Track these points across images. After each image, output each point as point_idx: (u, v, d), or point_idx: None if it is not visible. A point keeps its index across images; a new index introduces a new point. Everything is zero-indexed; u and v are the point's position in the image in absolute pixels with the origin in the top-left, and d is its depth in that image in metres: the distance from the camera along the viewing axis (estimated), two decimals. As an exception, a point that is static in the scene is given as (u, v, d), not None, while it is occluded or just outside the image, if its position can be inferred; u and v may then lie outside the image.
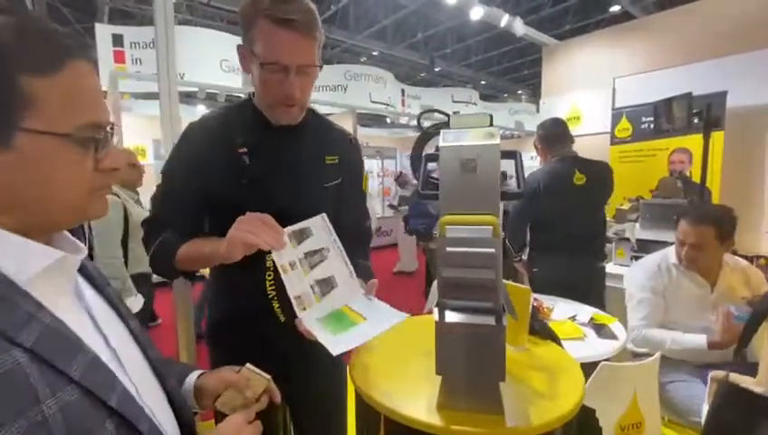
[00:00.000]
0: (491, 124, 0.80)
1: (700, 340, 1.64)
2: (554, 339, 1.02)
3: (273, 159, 0.97)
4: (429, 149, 0.87)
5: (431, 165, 0.84)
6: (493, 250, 0.70)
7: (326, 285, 0.85)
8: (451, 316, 0.71)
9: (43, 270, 0.42)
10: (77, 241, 0.51)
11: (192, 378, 0.68)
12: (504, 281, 0.98)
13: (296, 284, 0.81)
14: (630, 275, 1.97)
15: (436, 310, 0.72)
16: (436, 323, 0.71)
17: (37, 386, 0.37)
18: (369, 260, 1.11)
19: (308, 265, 0.83)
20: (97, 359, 0.44)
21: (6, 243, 0.41)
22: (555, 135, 2.33)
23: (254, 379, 0.69)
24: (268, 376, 0.70)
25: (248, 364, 0.71)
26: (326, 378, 1.12)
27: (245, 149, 0.95)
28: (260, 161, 0.96)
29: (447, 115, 0.84)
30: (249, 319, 1.02)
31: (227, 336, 1.06)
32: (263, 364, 0.98)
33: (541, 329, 1.05)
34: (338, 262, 0.88)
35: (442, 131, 0.78)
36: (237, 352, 1.05)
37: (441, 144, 0.76)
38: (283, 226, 0.93)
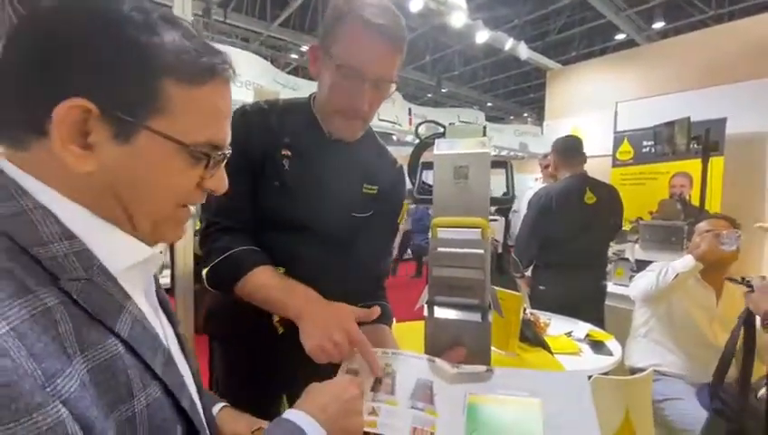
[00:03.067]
0: (484, 135, 0.85)
1: (688, 260, 1.74)
2: (544, 346, 1.05)
3: (310, 172, 0.92)
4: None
5: (426, 172, 0.88)
6: (481, 251, 0.74)
7: (424, 393, 0.65)
8: (440, 312, 0.75)
9: (132, 265, 0.42)
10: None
11: (215, 409, 0.65)
12: (500, 289, 1.01)
13: (396, 424, 0.60)
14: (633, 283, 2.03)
15: (426, 306, 0.76)
16: (425, 318, 0.74)
17: (132, 378, 0.36)
18: (386, 299, 1.04)
19: (388, 394, 0.65)
20: (171, 357, 0.43)
21: (102, 230, 0.41)
22: (572, 148, 2.39)
23: None
24: None
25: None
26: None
27: (289, 153, 0.91)
28: (298, 170, 0.91)
29: (443, 126, 0.90)
30: (247, 330, 0.96)
31: (225, 336, 1.07)
32: (260, 373, 0.99)
33: (532, 336, 1.08)
34: (407, 360, 0.71)
35: (437, 141, 0.83)
36: (234, 351, 1.08)
37: (436, 152, 0.80)
38: (303, 236, 0.91)
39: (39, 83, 0.37)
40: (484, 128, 0.86)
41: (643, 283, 1.83)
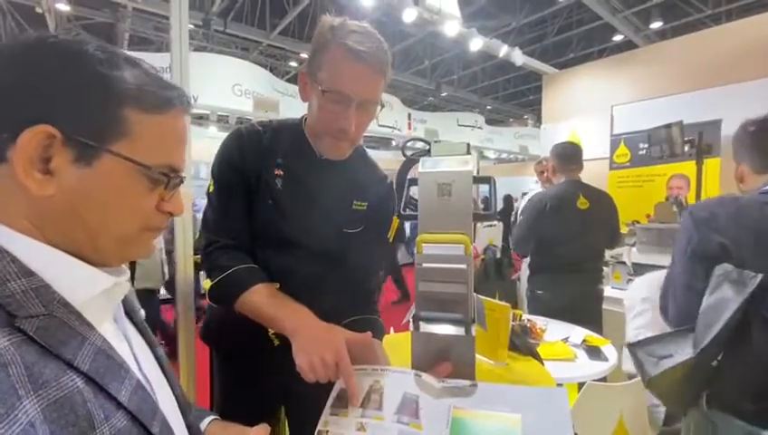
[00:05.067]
0: (468, 152, 0.87)
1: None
2: (534, 355, 1.07)
3: (302, 191, 0.96)
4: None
5: (413, 188, 0.91)
6: (464, 266, 0.76)
7: (410, 407, 0.67)
8: (425, 327, 0.77)
9: (96, 295, 0.43)
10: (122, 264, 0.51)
11: (204, 424, 0.65)
12: (487, 299, 1.04)
13: None
14: (631, 289, 2.04)
15: (412, 321, 0.78)
16: (411, 333, 0.77)
17: (93, 410, 0.36)
18: (378, 312, 1.07)
19: (375, 410, 0.67)
20: (141, 384, 0.43)
21: (62, 264, 0.41)
22: (570, 155, 2.42)
23: None
24: None
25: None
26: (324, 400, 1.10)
27: (281, 172, 0.95)
28: (290, 189, 0.95)
29: (429, 143, 0.92)
30: (244, 341, 0.99)
31: (223, 345, 1.10)
32: (257, 384, 1.01)
33: (521, 345, 1.10)
34: (394, 375, 0.72)
35: (422, 158, 0.86)
36: (232, 361, 1.10)
37: (420, 170, 0.83)
38: (296, 252, 0.94)
39: (4, 111, 0.39)
40: (468, 145, 0.88)
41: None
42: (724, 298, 0.96)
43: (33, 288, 0.38)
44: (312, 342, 0.75)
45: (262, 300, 0.87)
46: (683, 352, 0.99)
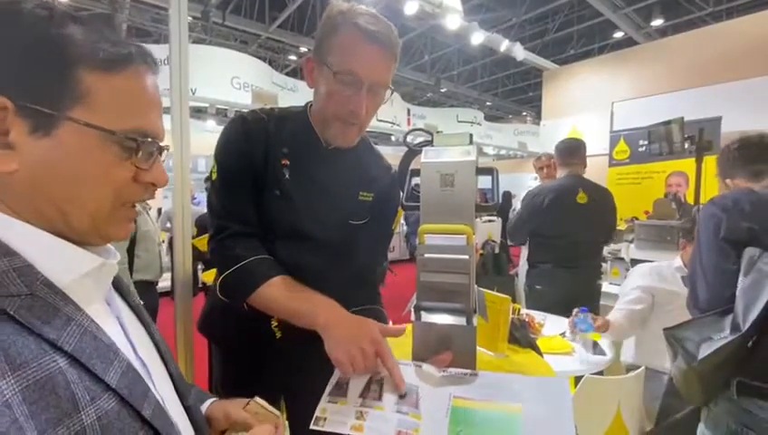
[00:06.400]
0: (470, 143, 0.87)
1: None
2: (533, 347, 1.07)
3: (308, 181, 0.94)
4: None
5: (415, 179, 0.91)
6: (466, 257, 0.76)
7: (410, 398, 0.67)
8: (426, 317, 0.77)
9: (81, 275, 0.42)
10: (109, 245, 0.48)
11: (204, 406, 0.65)
12: (488, 291, 1.04)
13: (381, 427, 0.63)
14: (628, 279, 2.08)
15: (413, 311, 0.78)
16: (413, 322, 0.77)
17: (77, 392, 0.35)
18: (381, 303, 1.07)
19: (375, 400, 0.68)
20: (131, 366, 0.42)
21: (46, 244, 0.40)
22: (572, 150, 2.42)
23: (262, 414, 0.63)
24: (277, 412, 0.65)
25: (257, 398, 0.65)
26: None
27: (288, 162, 0.93)
28: (297, 180, 0.93)
29: (431, 134, 0.92)
30: (245, 333, 0.99)
31: (223, 338, 1.09)
32: (258, 376, 1.00)
33: (521, 338, 1.10)
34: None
35: (424, 149, 0.85)
36: (232, 353, 1.10)
37: (423, 160, 0.83)
38: (302, 243, 0.93)
39: None
40: (471, 136, 0.88)
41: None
42: (762, 276, 0.99)
43: (16, 268, 0.37)
44: (348, 334, 0.74)
45: (283, 294, 0.85)
46: (721, 334, 1.01)
